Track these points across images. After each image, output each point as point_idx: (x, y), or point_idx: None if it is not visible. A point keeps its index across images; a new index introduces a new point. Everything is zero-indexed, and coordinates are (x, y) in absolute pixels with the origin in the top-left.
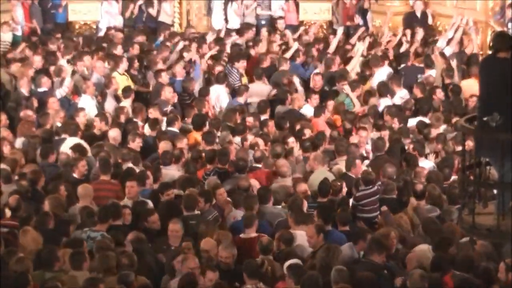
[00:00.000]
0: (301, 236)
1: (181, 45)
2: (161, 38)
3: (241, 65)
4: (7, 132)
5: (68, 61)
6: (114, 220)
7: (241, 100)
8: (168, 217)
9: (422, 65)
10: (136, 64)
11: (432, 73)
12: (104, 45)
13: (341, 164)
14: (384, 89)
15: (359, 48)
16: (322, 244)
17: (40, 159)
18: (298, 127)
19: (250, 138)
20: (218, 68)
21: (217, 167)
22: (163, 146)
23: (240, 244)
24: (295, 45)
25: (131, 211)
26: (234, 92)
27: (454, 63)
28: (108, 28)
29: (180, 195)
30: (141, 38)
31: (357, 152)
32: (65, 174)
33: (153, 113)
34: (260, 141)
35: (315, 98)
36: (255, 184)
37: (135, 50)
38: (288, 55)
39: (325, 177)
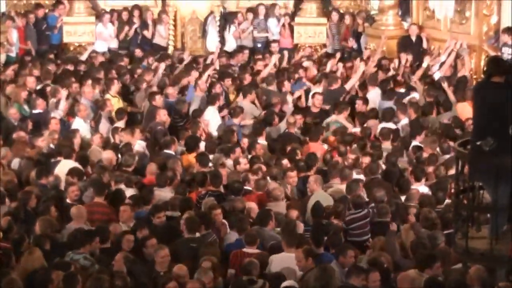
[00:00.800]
0: (291, 258)
1: (163, 66)
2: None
3: (228, 83)
4: (7, 151)
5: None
6: (102, 243)
7: (236, 121)
8: (166, 241)
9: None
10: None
11: (415, 96)
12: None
13: (336, 186)
14: (389, 115)
15: (360, 68)
16: (312, 267)
17: (35, 180)
18: (289, 148)
19: (243, 161)
20: (215, 89)
21: (210, 190)
22: (151, 168)
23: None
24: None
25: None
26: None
27: (445, 86)
28: (92, 52)
29: (173, 216)
30: (124, 62)
31: (351, 175)
32: (57, 197)
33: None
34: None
35: (299, 118)
36: (254, 207)
37: (113, 74)
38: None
39: (318, 200)
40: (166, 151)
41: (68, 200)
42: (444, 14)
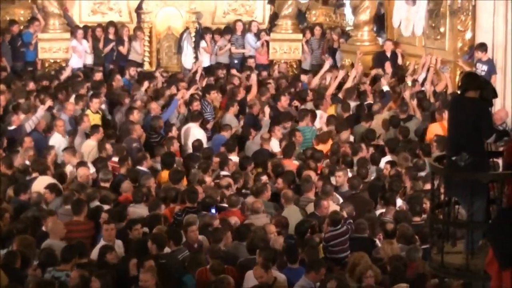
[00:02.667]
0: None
1: (146, 84)
2: (127, 76)
3: (213, 96)
4: None
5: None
6: (80, 258)
7: (226, 135)
8: (137, 257)
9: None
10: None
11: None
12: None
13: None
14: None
15: (339, 75)
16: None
17: (13, 197)
18: (270, 166)
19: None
20: (195, 104)
21: (187, 206)
22: (125, 186)
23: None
24: None
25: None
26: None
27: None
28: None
29: (146, 233)
30: (97, 76)
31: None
32: (32, 226)
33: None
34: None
35: (279, 130)
36: (237, 221)
37: (84, 89)
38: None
39: (289, 217)
40: (138, 167)
41: (43, 228)
42: (412, 31)
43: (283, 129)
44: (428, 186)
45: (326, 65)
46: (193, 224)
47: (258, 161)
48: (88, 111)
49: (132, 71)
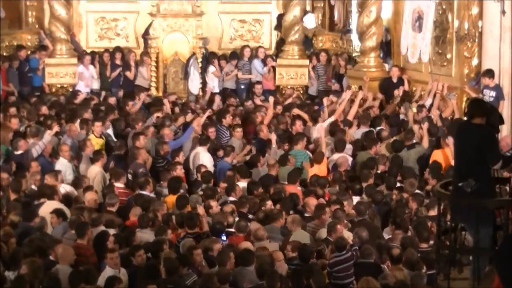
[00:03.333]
0: None
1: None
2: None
3: (228, 120)
4: None
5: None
6: (87, 284)
7: (228, 160)
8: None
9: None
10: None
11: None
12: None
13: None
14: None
15: (358, 96)
16: None
17: (21, 221)
18: (272, 191)
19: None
20: (211, 129)
21: (188, 232)
22: (134, 211)
23: None
24: None
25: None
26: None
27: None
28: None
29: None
30: (111, 101)
31: (343, 217)
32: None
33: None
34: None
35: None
36: (249, 246)
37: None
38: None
39: (300, 241)
40: (141, 192)
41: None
42: (418, 57)
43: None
44: (432, 212)
45: (347, 95)
46: (196, 248)
47: (263, 186)
48: (91, 136)
49: (143, 96)
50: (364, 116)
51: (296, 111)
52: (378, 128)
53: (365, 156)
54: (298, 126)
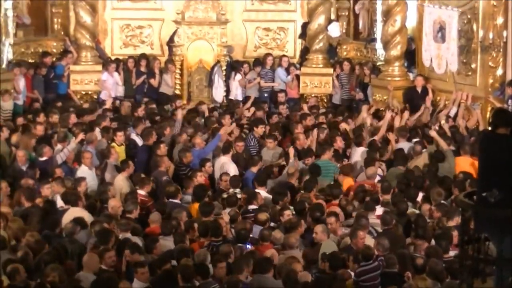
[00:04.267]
0: None
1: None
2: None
3: (260, 130)
4: (9, 200)
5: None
6: None
7: (255, 170)
8: None
9: None
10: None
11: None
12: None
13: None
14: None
15: (387, 115)
16: None
17: (45, 229)
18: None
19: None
20: (240, 144)
21: (212, 240)
22: (154, 217)
23: None
24: None
25: None
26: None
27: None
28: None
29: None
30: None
31: (367, 225)
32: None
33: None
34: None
35: None
36: (274, 254)
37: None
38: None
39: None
40: (172, 200)
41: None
42: (445, 68)
43: (304, 165)
44: (451, 223)
45: (388, 115)
46: (222, 260)
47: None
48: (113, 144)
49: (178, 103)
50: (402, 129)
51: (344, 125)
52: (414, 140)
53: (397, 172)
54: (339, 142)
